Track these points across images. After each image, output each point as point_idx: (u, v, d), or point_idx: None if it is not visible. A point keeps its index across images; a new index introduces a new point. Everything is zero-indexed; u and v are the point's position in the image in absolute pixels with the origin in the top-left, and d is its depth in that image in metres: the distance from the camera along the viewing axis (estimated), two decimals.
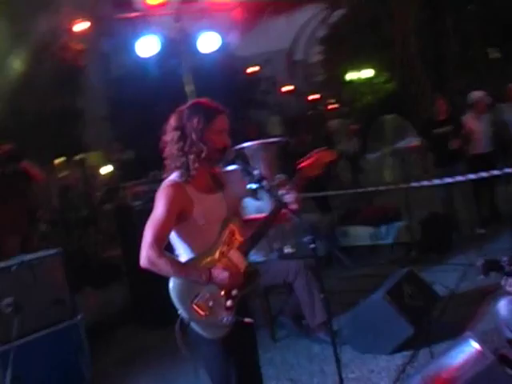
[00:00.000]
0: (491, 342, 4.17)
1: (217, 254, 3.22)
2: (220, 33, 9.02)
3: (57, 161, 22.05)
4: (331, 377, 4.83)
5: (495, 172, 8.00)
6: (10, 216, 7.25)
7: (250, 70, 29.03)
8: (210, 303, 3.15)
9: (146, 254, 3.09)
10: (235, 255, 3.24)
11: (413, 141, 7.73)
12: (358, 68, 23.78)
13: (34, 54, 17.55)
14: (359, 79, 24.27)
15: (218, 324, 3.16)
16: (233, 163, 3.35)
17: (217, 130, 3.23)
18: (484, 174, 7.98)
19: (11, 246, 7.20)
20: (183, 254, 3.26)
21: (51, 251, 5.76)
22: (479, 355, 3.68)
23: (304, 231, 3.34)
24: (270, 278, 5.72)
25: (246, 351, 3.41)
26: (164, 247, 3.14)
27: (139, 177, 9.12)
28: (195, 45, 8.89)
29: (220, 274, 3.12)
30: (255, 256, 5.84)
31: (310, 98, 29.70)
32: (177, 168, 3.24)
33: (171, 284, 3.17)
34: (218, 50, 9.05)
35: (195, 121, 3.21)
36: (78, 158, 22.19)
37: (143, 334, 6.87)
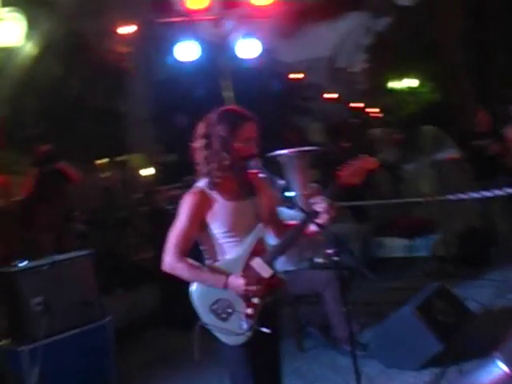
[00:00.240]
0: None
1: (241, 261, 3.20)
2: (261, 39, 9.02)
3: (99, 161, 22.36)
4: None
5: None
6: (46, 215, 7.37)
7: (293, 76, 29.03)
8: (229, 310, 3.18)
9: (166, 259, 3.22)
10: (259, 263, 3.22)
11: (451, 152, 7.59)
12: (402, 77, 23.55)
13: (80, 55, 17.85)
14: (403, 88, 24.04)
15: (236, 331, 3.17)
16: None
17: (242, 138, 3.21)
18: None
19: (46, 244, 7.31)
20: (209, 259, 3.28)
21: (82, 252, 5.80)
22: (506, 378, 3.58)
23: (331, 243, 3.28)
24: (299, 287, 5.70)
25: (269, 360, 3.39)
26: (186, 253, 3.21)
27: (180, 180, 9.20)
28: (235, 50, 8.92)
29: (236, 280, 3.13)
30: (285, 265, 5.82)
31: (353, 105, 29.51)
32: (204, 175, 3.26)
33: (193, 288, 3.23)
34: (261, 56, 9.06)
35: (220, 129, 3.21)
36: (120, 159, 22.48)
37: (171, 337, 6.88)
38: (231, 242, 3.24)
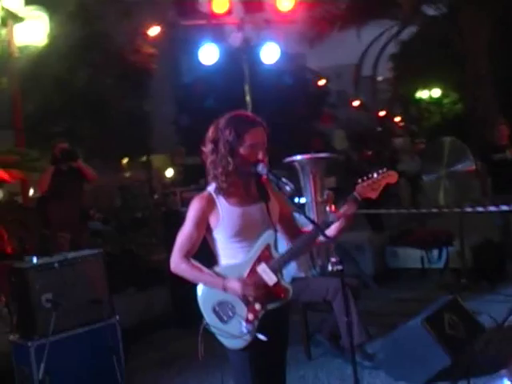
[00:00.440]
0: None
1: (247, 266, 3.22)
2: (286, 44, 9.03)
3: (121, 161, 22.51)
4: None
5: None
6: (62, 213, 7.40)
7: (320, 82, 29.03)
8: (231, 313, 3.20)
9: (172, 260, 3.30)
10: (264, 270, 3.21)
11: (469, 165, 7.51)
12: (427, 87, 23.45)
13: (107, 56, 18.00)
14: (428, 98, 23.92)
15: (235, 335, 3.18)
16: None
17: (249, 143, 3.20)
18: None
19: (61, 242, 7.34)
20: (218, 262, 3.31)
21: (94, 251, 5.82)
22: None
23: (336, 252, 3.26)
24: (309, 294, 5.67)
25: (272, 367, 3.37)
26: (191, 254, 3.27)
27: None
28: (258, 55, 8.94)
29: (233, 284, 3.16)
30: (296, 271, 5.80)
31: (378, 114, 29.44)
32: (211, 179, 3.28)
33: (198, 289, 3.28)
34: (287, 61, 9.08)
35: (226, 133, 3.21)
36: (142, 159, 22.60)
37: (182, 338, 6.86)
38: (237, 246, 3.24)
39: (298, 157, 6.11)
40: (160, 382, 5.85)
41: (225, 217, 3.22)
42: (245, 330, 3.17)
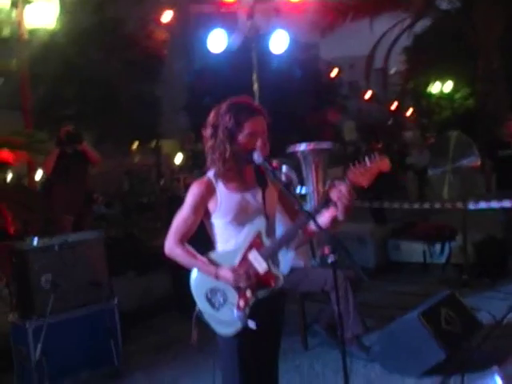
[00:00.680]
0: None
1: (238, 253, 3.22)
2: (297, 34, 9.00)
3: (132, 146, 22.53)
4: None
5: None
6: (66, 195, 7.44)
7: (332, 73, 28.90)
8: (222, 299, 3.23)
9: (167, 244, 3.33)
10: (255, 257, 3.21)
11: (474, 160, 7.47)
12: (439, 81, 23.31)
13: (119, 41, 17.99)
14: (440, 92, 23.78)
15: (226, 321, 3.21)
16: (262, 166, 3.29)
17: (248, 131, 3.19)
18: None
19: (65, 224, 7.38)
20: (213, 247, 3.33)
21: (94, 234, 5.85)
22: None
23: (327, 243, 3.22)
24: (307, 284, 5.68)
25: (263, 355, 3.37)
26: (186, 239, 3.30)
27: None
28: (267, 44, 8.91)
29: (225, 272, 3.18)
30: (295, 261, 5.80)
31: (389, 106, 29.30)
32: (209, 164, 3.28)
33: (192, 275, 3.32)
34: (300, 51, 9.06)
35: (226, 119, 3.20)
36: (152, 144, 22.61)
37: (181, 322, 6.88)
38: (233, 231, 3.25)
39: (301, 146, 6.10)
40: (156, 366, 5.87)
41: (223, 202, 3.23)
42: (236, 318, 3.18)
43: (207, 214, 3.28)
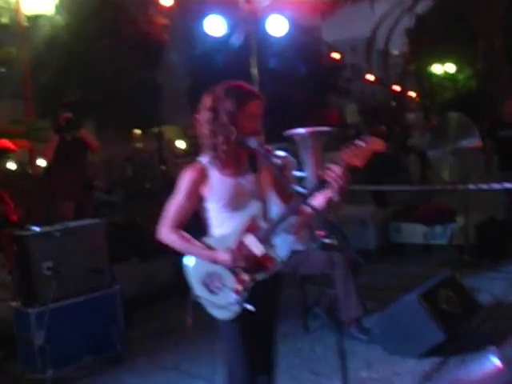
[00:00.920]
0: None
1: (234, 237, 3.23)
2: (299, 16, 8.98)
3: (134, 132, 22.55)
4: (354, 373, 4.73)
5: None
6: (66, 182, 7.47)
7: (334, 55, 28.75)
8: (220, 284, 3.24)
9: (161, 230, 3.34)
10: (252, 240, 3.22)
11: (474, 141, 7.46)
12: (442, 62, 23.17)
13: (118, 27, 17.95)
14: (443, 73, 23.66)
15: (224, 306, 3.22)
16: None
17: (248, 114, 3.20)
18: None
19: (65, 211, 7.41)
20: (208, 232, 3.33)
21: (95, 221, 5.89)
22: (497, 372, 3.56)
23: (322, 226, 3.25)
24: (307, 267, 5.69)
25: (262, 338, 3.40)
26: (182, 225, 3.30)
27: None
28: (266, 27, 8.89)
29: (223, 256, 3.19)
30: (295, 244, 5.80)
31: (392, 88, 29.17)
32: (207, 148, 3.27)
33: (187, 260, 3.33)
34: (301, 34, 9.05)
35: (228, 103, 3.19)
36: (155, 130, 22.60)
37: (183, 308, 6.92)
38: (228, 216, 3.26)
39: (298, 130, 6.10)
40: (158, 351, 5.91)
41: (217, 187, 3.23)
42: (234, 301, 3.19)
43: (202, 199, 3.29)
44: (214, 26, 8.36)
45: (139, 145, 21.98)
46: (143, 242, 8.41)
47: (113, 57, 18.44)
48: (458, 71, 23.04)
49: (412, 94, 27.95)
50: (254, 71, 8.69)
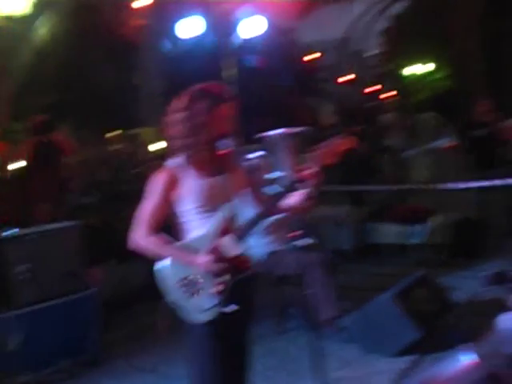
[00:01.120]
0: (491, 357, 4.05)
1: (210, 239, 3.21)
2: (271, 17, 9.00)
3: (110, 134, 22.38)
4: (331, 373, 4.76)
5: None
6: (41, 185, 7.43)
7: (310, 56, 28.76)
8: (198, 286, 3.20)
9: (135, 235, 3.26)
10: (227, 241, 3.22)
11: (448, 141, 7.55)
12: (419, 62, 23.30)
13: (93, 28, 17.83)
14: (419, 73, 23.79)
15: (200, 308, 3.19)
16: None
17: (221, 116, 3.22)
18: None
19: (41, 214, 7.36)
20: (181, 236, 3.30)
21: (71, 223, 5.87)
22: (473, 368, 3.61)
23: (298, 226, 3.27)
24: (283, 268, 5.72)
25: (236, 340, 3.40)
26: (156, 230, 3.23)
27: None
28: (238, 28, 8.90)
29: (202, 258, 3.16)
30: (271, 245, 5.84)
31: (368, 89, 29.27)
32: (179, 150, 3.27)
33: (162, 264, 3.25)
34: (277, 35, 9.07)
35: (202, 105, 3.21)
36: (131, 132, 22.48)
37: (160, 312, 6.91)
38: (203, 218, 3.24)
39: (274, 131, 6.13)
40: (136, 354, 5.91)
41: (191, 189, 3.22)
42: (212, 303, 3.18)
43: (174, 203, 3.26)
44: (190, 27, 8.36)
45: (116, 147, 21.82)
46: (119, 245, 8.34)
47: (87, 58, 18.31)
48: (434, 71, 23.16)
49: (388, 94, 28.07)
50: (229, 72, 8.70)
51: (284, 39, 21.66)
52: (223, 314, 3.20)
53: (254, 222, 3.29)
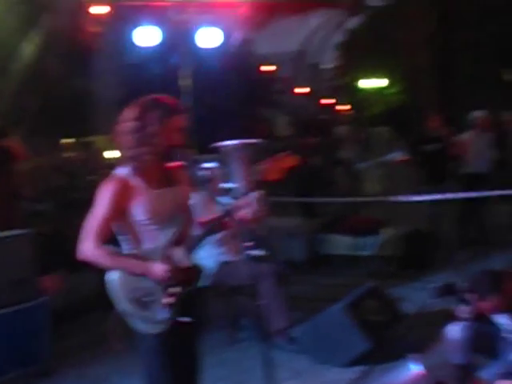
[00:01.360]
0: (438, 368, 4.14)
1: (161, 251, 3.20)
2: (227, 29, 9.04)
3: (64, 141, 22.12)
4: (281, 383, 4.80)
5: (487, 192, 7.96)
6: None
7: (266, 68, 28.89)
8: (150, 298, 3.17)
9: (84, 247, 3.20)
10: (178, 253, 3.22)
11: (400, 155, 7.70)
12: (373, 76, 23.69)
13: (49, 35, 17.62)
14: (372, 87, 24.19)
15: (152, 320, 3.18)
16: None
17: (173, 127, 3.23)
18: (473, 194, 7.95)
19: None
20: (129, 248, 3.26)
21: (22, 231, 5.76)
22: (421, 378, 3.68)
23: (250, 238, 3.31)
24: (235, 278, 5.70)
25: (188, 350, 3.40)
26: (105, 240, 3.19)
27: None
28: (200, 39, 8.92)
29: (154, 269, 3.14)
30: (223, 256, 5.85)
31: (323, 101, 29.61)
32: (128, 159, 3.24)
33: (109, 275, 3.21)
34: (231, 46, 9.11)
35: (154, 115, 3.21)
36: (85, 140, 22.27)
37: (111, 322, 6.85)
38: (153, 229, 3.22)
39: (227, 142, 6.14)
40: (88, 364, 5.84)
41: (142, 199, 3.19)
42: (165, 314, 3.17)
43: (124, 214, 3.21)
44: (147, 36, 8.36)
45: (70, 154, 21.58)
46: (71, 253, 8.24)
47: (43, 64, 18.08)
48: (388, 86, 23.57)
49: (343, 107, 28.42)
50: (185, 82, 8.72)
51: (240, 50, 21.74)
52: (174, 326, 3.19)
53: (204, 235, 3.32)
